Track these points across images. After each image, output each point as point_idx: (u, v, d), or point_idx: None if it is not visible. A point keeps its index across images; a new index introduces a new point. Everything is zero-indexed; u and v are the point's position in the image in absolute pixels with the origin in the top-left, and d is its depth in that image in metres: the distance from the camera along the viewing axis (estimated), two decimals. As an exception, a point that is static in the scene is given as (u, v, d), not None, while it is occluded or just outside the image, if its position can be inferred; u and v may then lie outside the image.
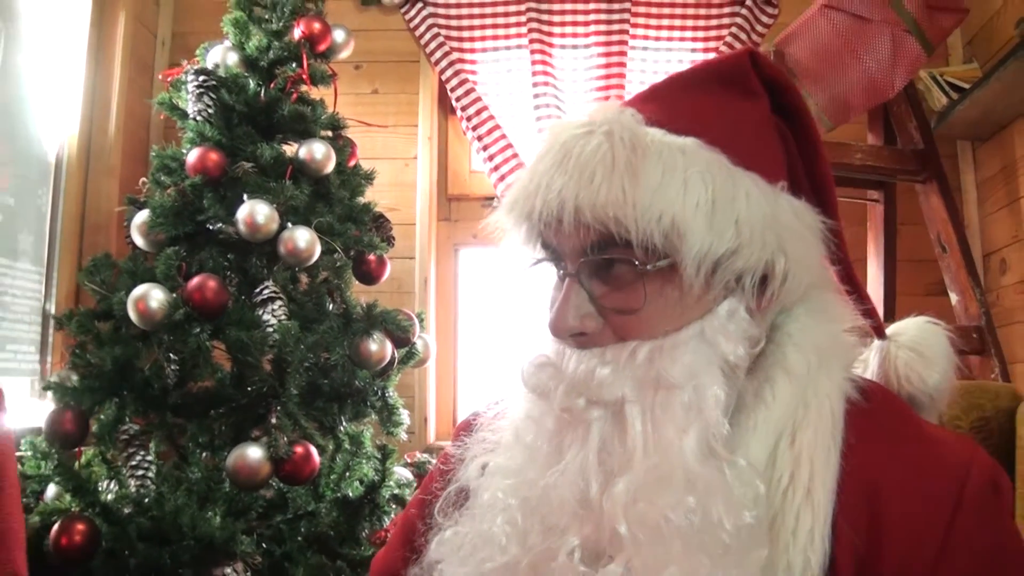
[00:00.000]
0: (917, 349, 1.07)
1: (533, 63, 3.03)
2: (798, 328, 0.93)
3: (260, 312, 2.07)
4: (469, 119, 3.06)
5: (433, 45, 3.09)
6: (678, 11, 3.02)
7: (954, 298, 2.33)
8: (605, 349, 0.87)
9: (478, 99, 3.06)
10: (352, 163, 2.46)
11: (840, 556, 0.84)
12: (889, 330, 1.11)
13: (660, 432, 0.83)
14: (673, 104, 0.90)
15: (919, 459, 0.88)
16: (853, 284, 1.02)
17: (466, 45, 3.11)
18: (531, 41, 3.04)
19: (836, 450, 0.88)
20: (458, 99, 3.06)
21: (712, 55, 2.96)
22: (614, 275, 0.87)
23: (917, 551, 0.83)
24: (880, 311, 2.50)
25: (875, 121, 2.54)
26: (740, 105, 0.91)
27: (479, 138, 3.04)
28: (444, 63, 3.07)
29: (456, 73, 3.07)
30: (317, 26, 2.41)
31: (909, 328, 1.10)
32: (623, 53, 3.02)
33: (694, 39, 3.03)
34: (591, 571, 0.81)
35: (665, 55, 3.06)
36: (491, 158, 3.00)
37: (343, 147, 2.40)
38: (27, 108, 2.64)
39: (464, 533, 0.90)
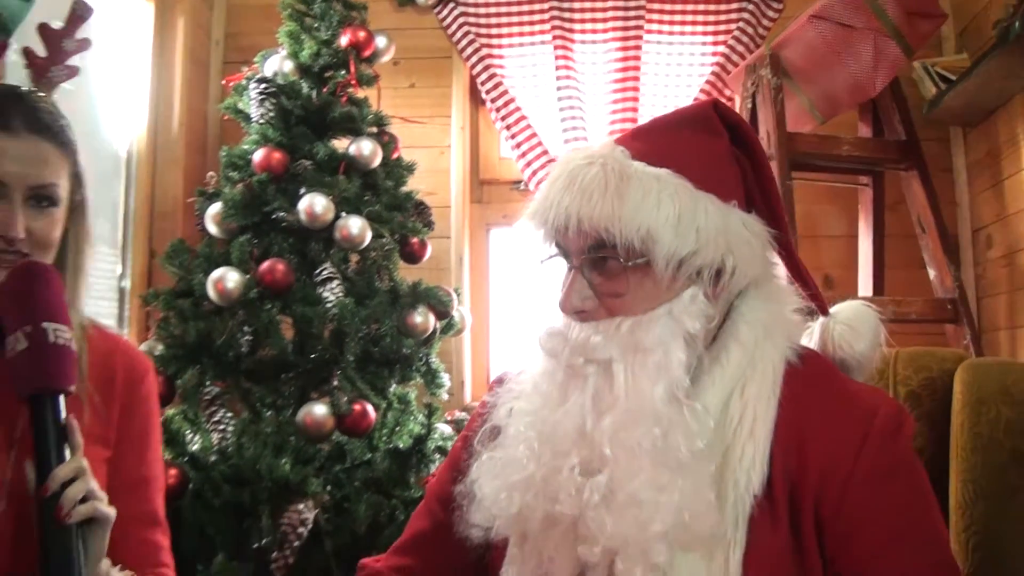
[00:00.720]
0: (850, 324, 1.33)
1: (556, 57, 3.30)
2: (749, 309, 1.23)
3: (320, 290, 2.40)
4: (498, 110, 3.35)
5: (464, 42, 3.38)
6: (689, 7, 3.27)
7: (932, 273, 2.62)
8: (599, 323, 1.17)
9: (505, 92, 3.35)
10: (395, 156, 2.77)
11: (775, 476, 1.15)
12: (832, 309, 1.39)
13: (637, 383, 1.13)
14: (653, 142, 1.21)
15: (837, 405, 1.19)
16: (800, 275, 1.33)
17: (494, 42, 3.39)
18: (554, 37, 3.31)
19: (774, 399, 1.18)
20: (487, 92, 3.36)
21: (721, 48, 3.23)
22: (606, 268, 1.17)
23: (833, 471, 1.14)
24: (870, 283, 2.80)
25: (865, 114, 2.81)
26: (704, 142, 1.21)
27: (507, 127, 3.33)
28: (474, 59, 3.36)
29: (485, 68, 3.36)
30: (362, 34, 2.72)
31: (847, 308, 1.37)
32: (638, 47, 3.29)
33: (704, 33, 3.28)
34: (585, 480, 1.12)
35: (678, 48, 3.32)
36: (518, 145, 3.29)
37: (387, 142, 2.71)
38: (99, 109, 2.96)
39: (496, 457, 1.21)
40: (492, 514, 1.18)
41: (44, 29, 1.44)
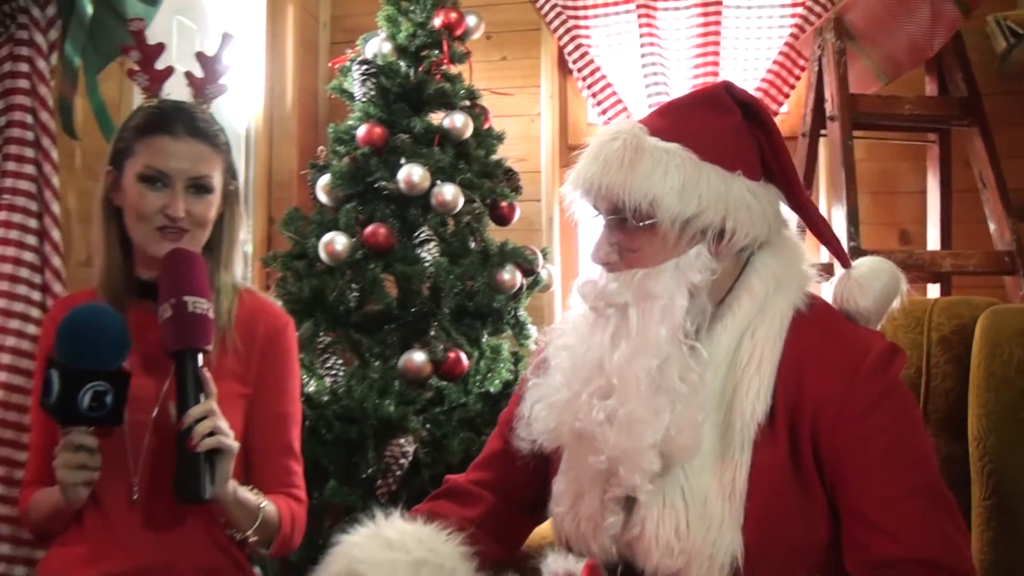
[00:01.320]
0: (860, 280, 1.48)
1: (640, 26, 3.45)
2: (762, 264, 1.42)
3: (419, 251, 2.68)
4: (584, 79, 3.54)
5: (552, 15, 3.57)
6: (768, -29, 3.40)
7: (992, 226, 2.72)
8: (620, 273, 1.39)
9: (591, 61, 3.53)
10: (486, 126, 3.01)
11: (777, 406, 1.35)
12: (854, 263, 1.53)
13: (646, 324, 1.35)
14: (668, 119, 1.42)
15: (834, 343, 1.38)
16: (820, 234, 1.51)
17: (580, 13, 3.57)
18: (637, 6, 3.46)
19: (780, 341, 1.38)
20: (574, 61, 3.55)
21: (799, 9, 3.34)
22: (625, 228, 1.38)
23: (827, 399, 1.33)
24: (938, 236, 2.92)
25: (931, 72, 2.91)
26: (713, 119, 1.41)
27: (593, 95, 3.52)
28: (561, 30, 3.55)
29: (572, 39, 3.55)
30: (454, 15, 2.95)
31: (863, 264, 1.52)
32: (719, 12, 3.41)
33: (782, -4, 3.41)
34: (601, 404, 1.35)
35: (757, 12, 3.44)
36: (604, 112, 3.49)
37: (478, 114, 2.95)
38: (214, 106, 3.28)
39: (540, 384, 1.46)
40: (535, 430, 1.43)
41: (201, 56, 1.79)
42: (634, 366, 1.33)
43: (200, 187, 1.66)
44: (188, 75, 1.79)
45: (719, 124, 1.41)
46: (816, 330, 1.40)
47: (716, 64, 3.39)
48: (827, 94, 2.72)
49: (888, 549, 1.27)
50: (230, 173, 1.74)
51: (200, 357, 1.56)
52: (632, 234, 1.38)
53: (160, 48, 1.79)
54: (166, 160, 1.62)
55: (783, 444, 1.34)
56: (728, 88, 1.45)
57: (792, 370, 1.36)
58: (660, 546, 1.32)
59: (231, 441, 1.53)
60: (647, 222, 1.36)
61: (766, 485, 1.32)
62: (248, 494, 1.61)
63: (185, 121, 1.66)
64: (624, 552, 1.40)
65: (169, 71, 1.77)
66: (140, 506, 1.61)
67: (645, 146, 1.37)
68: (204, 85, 1.78)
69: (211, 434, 1.50)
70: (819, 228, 1.51)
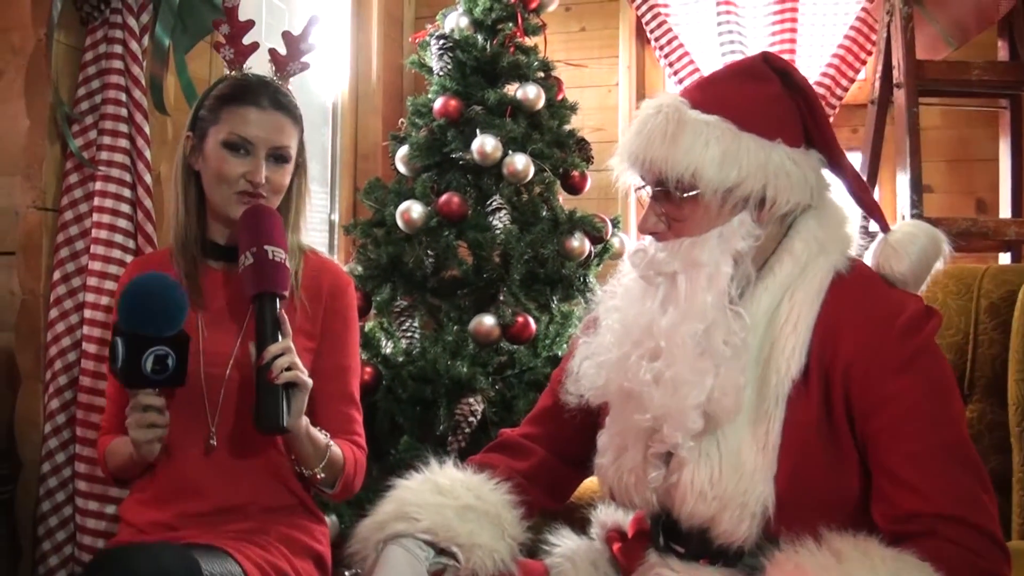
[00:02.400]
0: (895, 245, 1.49)
1: (717, -5, 3.50)
2: (804, 228, 1.46)
3: (491, 219, 2.78)
4: (662, 48, 3.58)
5: (630, -15, 3.63)
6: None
7: (1061, 193, 2.70)
8: (668, 243, 1.45)
9: (669, 30, 3.57)
10: (560, 97, 3.08)
11: (812, 363, 1.39)
12: (893, 227, 1.55)
13: (693, 291, 1.41)
14: (708, 92, 1.47)
15: (871, 303, 1.41)
16: (860, 199, 1.55)
17: (658, -18, 3.62)
18: (715, -25, 3.51)
19: (818, 302, 1.42)
20: (652, 31, 3.59)
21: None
22: (670, 199, 1.45)
23: (860, 356, 1.37)
24: (1008, 204, 2.89)
25: (1003, 37, 2.86)
26: (753, 89, 1.46)
27: (670, 64, 3.56)
28: (639, 0, 3.60)
29: (650, 8, 3.59)
30: (529, -12, 3.03)
31: (900, 230, 1.53)
32: (797, -20, 3.43)
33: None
34: (648, 365, 1.41)
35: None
36: (680, 81, 3.52)
37: (551, 85, 3.03)
38: (293, 84, 3.43)
39: (591, 342, 1.54)
40: (584, 385, 1.51)
41: (287, 35, 1.91)
42: (681, 331, 1.39)
43: (279, 156, 1.78)
44: (272, 52, 1.90)
45: (758, 94, 1.46)
46: (853, 291, 1.43)
47: (794, 31, 3.39)
48: (895, 60, 2.71)
49: (913, 503, 1.31)
50: (302, 146, 1.86)
51: (277, 302, 1.68)
52: (677, 204, 1.44)
53: (250, 24, 1.90)
54: (251, 129, 1.74)
55: (816, 400, 1.39)
56: (766, 58, 1.50)
57: (828, 329, 1.40)
58: (695, 493, 1.39)
59: (306, 376, 1.65)
60: (690, 193, 1.42)
61: (799, 438, 1.37)
62: (317, 432, 1.72)
63: (269, 94, 1.78)
64: (662, 501, 1.47)
65: (255, 46, 1.88)
66: (216, 452, 1.74)
67: (686, 119, 1.42)
68: (287, 63, 1.90)
69: (288, 369, 1.62)
70: (858, 193, 1.55)
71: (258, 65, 1.92)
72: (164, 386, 1.62)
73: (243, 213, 1.73)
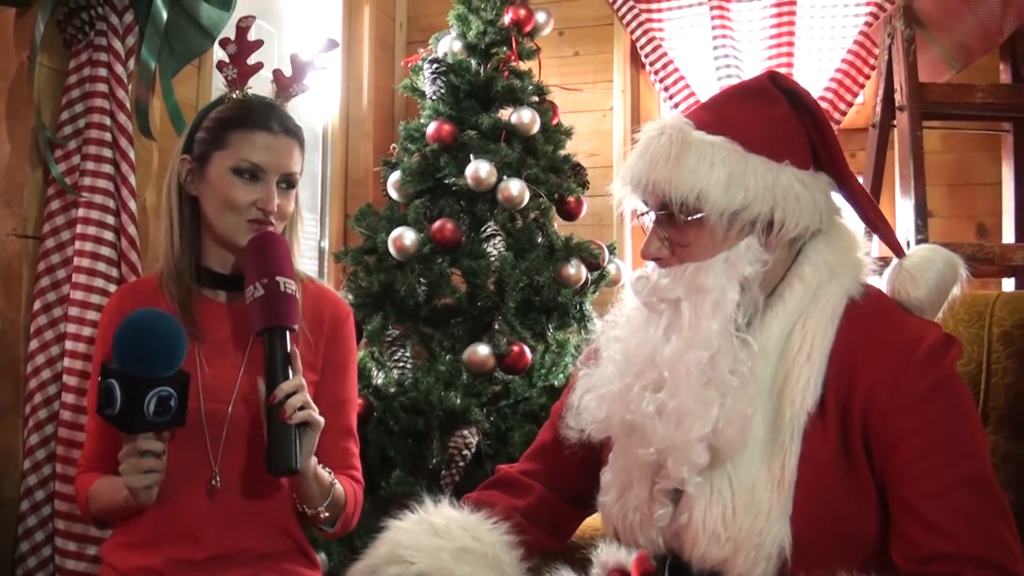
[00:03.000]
0: (911, 270, 1.45)
1: (712, 18, 3.43)
2: (815, 252, 1.41)
3: (485, 245, 2.72)
4: (656, 72, 3.53)
5: (624, 9, 3.57)
6: (842, -38, 3.35)
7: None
8: (671, 268, 1.40)
9: (664, 54, 3.52)
10: (555, 122, 3.03)
11: (828, 395, 1.34)
12: (907, 252, 1.51)
13: (698, 318, 1.35)
14: (714, 113, 1.42)
15: (888, 333, 1.36)
16: (872, 222, 1.49)
17: (653, 7, 3.56)
18: (710, -1, 3.47)
19: (832, 330, 1.36)
20: (647, 55, 3.54)
21: (870, 7, 3.28)
22: (674, 223, 1.39)
23: (879, 388, 1.31)
24: (1012, 229, 2.84)
25: (1006, 59, 2.83)
26: (759, 109, 1.40)
27: (665, 88, 3.51)
28: (634, 24, 3.55)
29: (645, 32, 3.55)
30: (523, 12, 2.99)
31: (916, 254, 1.48)
32: (792, 3, 3.38)
33: (854, -11, 3.35)
34: (652, 396, 1.35)
35: (831, 2, 3.40)
36: (676, 106, 3.48)
37: (546, 110, 2.98)
38: (291, 106, 3.38)
39: (592, 374, 1.47)
40: (585, 419, 1.45)
41: (295, 58, 1.85)
42: (685, 359, 1.33)
43: (289, 183, 1.72)
44: (277, 73, 1.84)
45: (765, 114, 1.41)
46: (869, 319, 1.38)
47: (791, 55, 3.35)
48: (896, 83, 2.67)
49: (934, 543, 1.25)
50: (302, 170, 1.80)
51: (288, 336, 1.61)
52: (681, 229, 1.39)
53: (258, 44, 1.84)
54: (262, 155, 1.67)
55: (833, 433, 1.33)
56: (773, 78, 1.45)
57: (844, 359, 1.35)
58: (707, 534, 1.32)
59: (318, 416, 1.58)
60: (695, 216, 1.36)
61: (815, 474, 1.31)
62: (322, 470, 1.66)
63: (278, 118, 1.72)
64: (671, 542, 1.40)
65: (258, 66, 1.82)
66: (219, 494, 1.65)
67: (691, 140, 1.37)
68: (290, 84, 1.84)
69: (301, 408, 1.55)
70: (870, 216, 1.50)
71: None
72: (166, 428, 1.53)
73: (251, 241, 1.66)
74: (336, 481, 1.69)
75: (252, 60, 1.82)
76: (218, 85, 2.72)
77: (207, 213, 1.71)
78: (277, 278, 1.60)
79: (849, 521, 1.32)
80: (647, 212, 1.47)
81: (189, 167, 1.72)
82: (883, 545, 1.32)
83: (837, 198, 1.47)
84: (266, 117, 1.70)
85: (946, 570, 1.24)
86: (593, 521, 1.74)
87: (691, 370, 1.33)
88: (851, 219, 1.50)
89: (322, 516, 1.67)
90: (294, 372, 1.59)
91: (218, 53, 2.63)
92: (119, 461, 1.53)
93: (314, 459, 1.62)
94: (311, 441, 1.58)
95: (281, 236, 1.70)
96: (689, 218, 1.37)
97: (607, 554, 1.65)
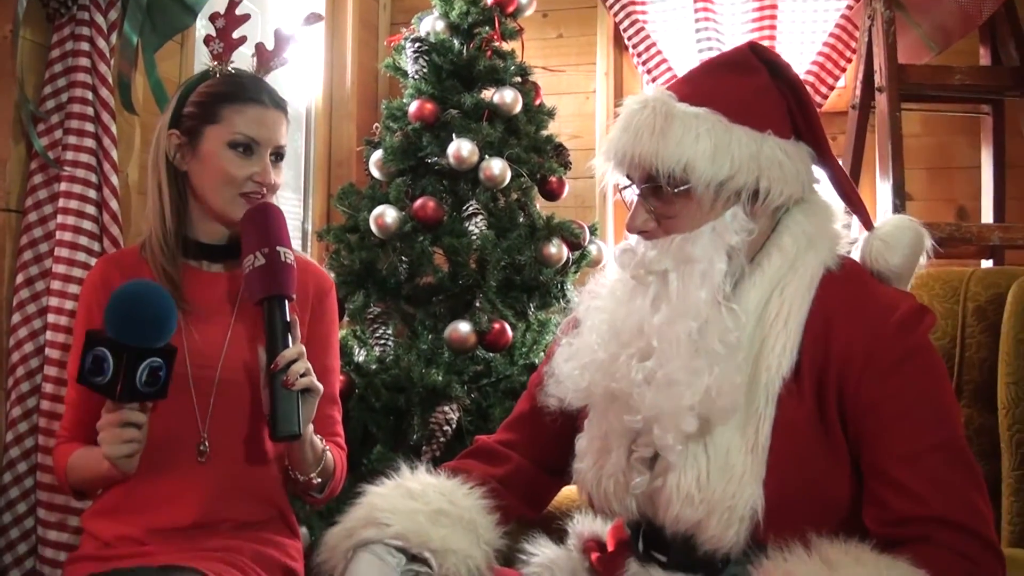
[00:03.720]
0: (885, 240, 1.48)
1: (695, 2, 3.44)
2: (794, 222, 1.43)
3: (467, 224, 2.73)
4: (639, 55, 3.55)
5: (607, -9, 3.60)
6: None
7: (1044, 200, 2.69)
8: (657, 240, 1.41)
9: (647, 36, 3.53)
10: (537, 102, 3.04)
11: (804, 361, 1.36)
12: (876, 223, 1.55)
13: (686, 288, 1.37)
14: (696, 85, 1.44)
15: (863, 301, 1.38)
16: (845, 194, 1.52)
17: (636, -11, 3.59)
18: (693, -19, 3.48)
19: (809, 298, 1.38)
20: (630, 38, 3.56)
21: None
22: (660, 195, 1.40)
23: (853, 355, 1.33)
24: (990, 212, 2.87)
25: (985, 41, 2.85)
26: (740, 80, 1.42)
27: (648, 71, 3.53)
28: (617, 7, 3.57)
29: (628, 15, 3.56)
30: (506, -8, 2.99)
31: (887, 224, 1.51)
32: (775, -15, 3.41)
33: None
34: (639, 365, 1.37)
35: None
36: (659, 88, 3.50)
37: (528, 90, 2.99)
38: (283, 71, 3.37)
39: (573, 343, 1.49)
40: (566, 387, 1.46)
41: (278, 32, 1.87)
42: (674, 329, 1.35)
43: (279, 155, 1.75)
44: (259, 47, 1.85)
45: (746, 85, 1.43)
46: (845, 288, 1.40)
47: (772, 38, 3.37)
48: (876, 65, 2.69)
49: (906, 507, 1.27)
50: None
51: (287, 304, 1.64)
52: (667, 201, 1.40)
53: (245, 18, 1.84)
54: (258, 129, 1.69)
55: (808, 399, 1.35)
56: (753, 48, 1.46)
57: (820, 326, 1.37)
58: (680, 497, 1.34)
59: (318, 382, 1.62)
60: (681, 188, 1.38)
61: (789, 439, 1.33)
62: (315, 438, 1.68)
63: (267, 91, 1.74)
64: (644, 507, 1.43)
65: (243, 39, 1.82)
66: (209, 460, 1.66)
67: (674, 112, 1.39)
68: (272, 58, 1.84)
69: (303, 375, 1.58)
70: (844, 188, 1.52)
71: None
72: (153, 399, 1.53)
73: (249, 211, 1.67)
74: (327, 448, 1.72)
75: (236, 34, 1.82)
76: (201, 61, 2.73)
77: (198, 187, 1.72)
78: (277, 248, 1.63)
79: (822, 486, 1.34)
80: (630, 186, 1.48)
81: (178, 142, 1.73)
82: (856, 510, 1.34)
83: (815, 170, 1.49)
84: (257, 90, 1.72)
85: (917, 533, 1.26)
86: (569, 492, 1.76)
87: (681, 339, 1.34)
88: (827, 191, 1.53)
89: (314, 482, 1.70)
90: (294, 340, 1.62)
91: (200, 30, 2.65)
92: (98, 431, 1.54)
93: (310, 426, 1.64)
94: (311, 407, 1.62)
95: (278, 207, 1.72)
96: (676, 190, 1.38)
97: (582, 524, 1.67)
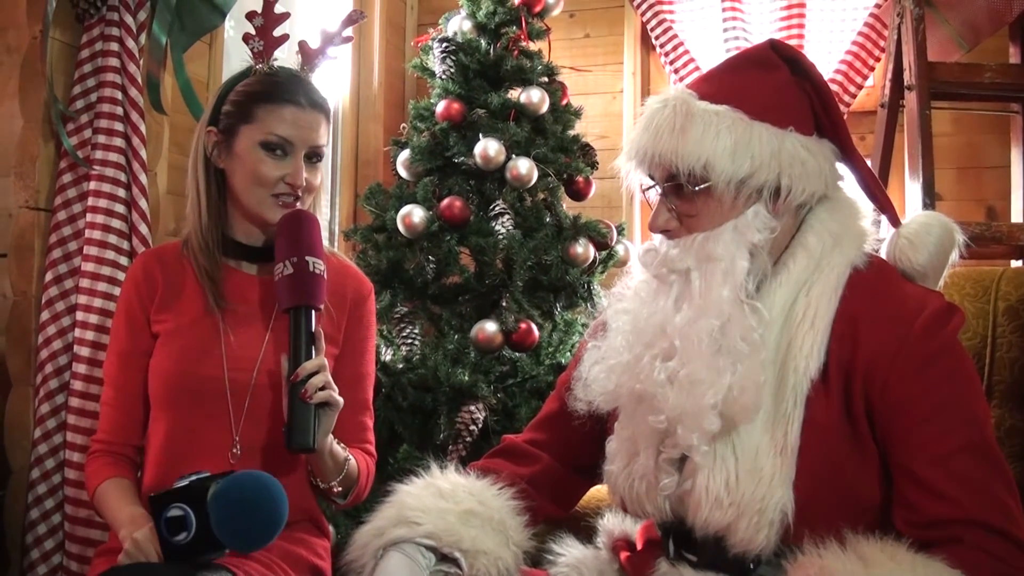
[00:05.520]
0: (910, 238, 1.46)
1: (723, 1, 3.45)
2: (818, 220, 1.42)
3: (493, 224, 2.73)
4: (667, 54, 3.54)
5: (634, -9, 3.59)
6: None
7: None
8: (680, 239, 1.40)
9: (674, 36, 3.53)
10: (564, 102, 3.03)
11: (831, 362, 1.34)
12: (904, 220, 1.53)
13: (709, 287, 1.35)
14: (716, 82, 1.43)
15: (891, 300, 1.36)
16: (870, 191, 1.50)
17: (663, -12, 3.58)
18: (721, -20, 3.47)
19: (836, 298, 1.37)
20: (657, 38, 3.55)
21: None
22: (681, 194, 1.39)
23: (881, 355, 1.31)
24: (1020, 211, 2.84)
25: (1015, 39, 2.81)
26: (761, 77, 1.41)
27: (676, 71, 3.52)
28: (644, 6, 3.56)
29: (655, 15, 3.55)
30: (532, -8, 2.99)
31: (914, 221, 1.49)
32: (804, -15, 3.39)
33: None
34: (663, 365, 1.36)
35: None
36: (686, 88, 3.48)
37: (555, 90, 2.98)
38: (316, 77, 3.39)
39: (600, 346, 1.48)
40: (594, 391, 1.45)
41: (322, 30, 1.84)
42: (696, 328, 1.34)
43: (316, 156, 1.72)
44: (302, 44, 1.82)
45: (767, 82, 1.41)
46: (872, 287, 1.38)
47: (801, 38, 3.35)
48: (906, 63, 2.66)
49: (937, 509, 1.26)
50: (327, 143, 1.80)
51: (313, 315, 1.62)
52: (689, 199, 1.39)
53: (285, 16, 1.82)
54: (292, 130, 1.67)
55: (836, 400, 1.34)
56: (774, 46, 1.45)
57: (847, 326, 1.35)
58: (710, 500, 1.33)
59: (338, 396, 1.59)
60: (702, 186, 1.37)
61: (818, 441, 1.32)
62: (338, 447, 1.67)
63: (306, 92, 1.71)
64: (676, 508, 1.42)
65: (284, 38, 1.80)
66: (239, 464, 1.65)
67: (695, 110, 1.38)
68: (316, 55, 1.82)
69: (322, 388, 1.56)
70: (869, 185, 1.51)
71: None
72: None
73: (284, 218, 1.66)
74: (350, 456, 1.70)
75: (277, 32, 1.80)
76: (229, 62, 2.74)
77: (234, 186, 1.71)
78: (307, 258, 1.61)
79: (851, 487, 1.33)
80: (653, 186, 1.47)
81: (216, 139, 1.72)
82: (885, 511, 1.33)
83: (839, 167, 1.48)
84: (294, 91, 1.70)
85: (948, 535, 1.24)
86: (598, 492, 1.75)
87: (703, 338, 1.33)
88: (852, 188, 1.51)
89: (335, 490, 1.68)
90: (317, 351, 1.60)
91: (229, 31, 2.67)
92: (128, 534, 1.49)
93: (331, 436, 1.62)
94: (329, 421, 1.59)
95: (313, 215, 1.70)
96: (696, 188, 1.37)
97: (612, 523, 1.66)
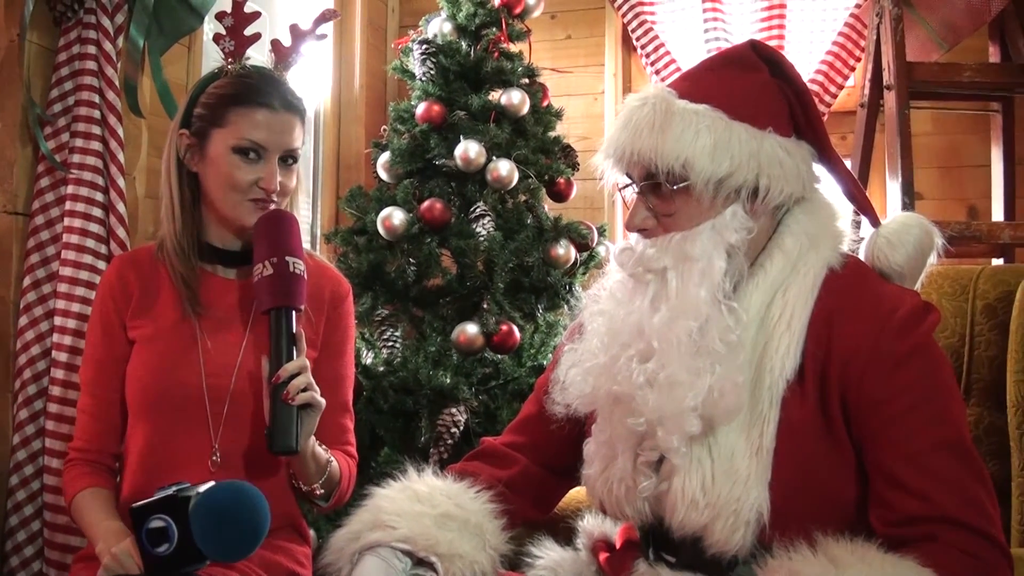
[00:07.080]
0: (889, 237, 1.46)
1: (703, 2, 3.44)
2: (794, 221, 1.42)
3: (474, 226, 2.73)
4: (648, 56, 3.53)
5: (615, -8, 3.59)
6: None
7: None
8: (656, 238, 1.40)
9: (656, 37, 3.52)
10: (545, 104, 3.03)
11: (807, 362, 1.35)
12: (883, 221, 1.54)
13: (686, 287, 1.35)
14: (696, 81, 1.43)
15: (866, 300, 1.37)
16: (849, 191, 1.51)
17: (645, -10, 3.58)
18: (701, -19, 3.47)
19: (812, 299, 1.37)
20: (638, 39, 3.54)
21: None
22: (659, 193, 1.39)
23: (855, 354, 1.32)
24: (1001, 210, 2.85)
25: (994, 38, 2.83)
26: (741, 78, 1.41)
27: (657, 72, 3.51)
28: (625, 7, 3.55)
29: (636, 16, 3.54)
30: (512, -6, 2.99)
31: (893, 221, 1.50)
32: (784, -15, 3.40)
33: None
34: (640, 367, 1.36)
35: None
36: (667, 89, 3.48)
37: (536, 91, 2.98)
38: (291, 76, 3.37)
39: (577, 348, 1.48)
40: (572, 394, 1.45)
41: (294, 28, 1.82)
42: (675, 328, 1.34)
43: (291, 158, 1.69)
44: (275, 43, 1.80)
45: (746, 82, 1.42)
46: (848, 287, 1.39)
47: (781, 39, 3.36)
48: (884, 62, 2.67)
49: (911, 506, 1.26)
50: (303, 144, 1.78)
51: (294, 316, 1.60)
52: (667, 198, 1.39)
53: (255, 16, 1.79)
54: (265, 134, 1.64)
55: (812, 401, 1.34)
56: (754, 46, 1.45)
57: (823, 326, 1.36)
58: (686, 501, 1.33)
59: (320, 397, 1.58)
60: (681, 184, 1.37)
61: (794, 441, 1.33)
62: (320, 448, 1.65)
63: (280, 93, 1.68)
64: (654, 509, 1.41)
65: (256, 37, 1.77)
66: (219, 471, 1.63)
67: (674, 109, 1.38)
68: (289, 54, 1.80)
69: (305, 390, 1.55)
70: (848, 186, 1.51)
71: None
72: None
73: (262, 218, 1.63)
74: (332, 459, 1.69)
75: (249, 31, 1.78)
76: (208, 65, 2.73)
77: (208, 190, 1.69)
78: (287, 258, 1.59)
79: (827, 487, 1.34)
80: (630, 184, 1.47)
81: (188, 143, 1.70)
82: (861, 510, 1.33)
83: (817, 169, 1.48)
84: (267, 93, 1.67)
85: (924, 533, 1.25)
86: (577, 493, 1.76)
87: (681, 339, 1.33)
88: (829, 190, 1.51)
89: (317, 492, 1.67)
90: (298, 352, 1.59)
91: (208, 33, 2.65)
92: (105, 548, 1.47)
93: (313, 439, 1.61)
94: (312, 422, 1.58)
95: (291, 215, 1.68)
96: (675, 187, 1.37)
97: (591, 524, 1.66)
